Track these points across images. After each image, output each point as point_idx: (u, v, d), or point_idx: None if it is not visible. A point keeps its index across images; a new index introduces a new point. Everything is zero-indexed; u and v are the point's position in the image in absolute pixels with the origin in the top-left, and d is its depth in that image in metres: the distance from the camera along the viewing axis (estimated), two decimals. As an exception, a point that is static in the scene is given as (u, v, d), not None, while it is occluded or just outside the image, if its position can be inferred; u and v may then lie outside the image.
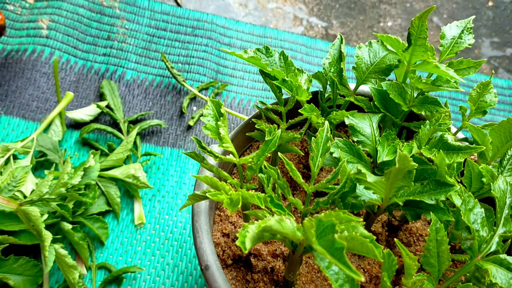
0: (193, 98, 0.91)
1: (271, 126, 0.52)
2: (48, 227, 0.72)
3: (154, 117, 0.88)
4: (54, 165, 0.74)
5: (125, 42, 0.95)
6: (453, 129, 0.62)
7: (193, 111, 0.90)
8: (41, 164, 0.81)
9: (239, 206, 0.45)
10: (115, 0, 0.99)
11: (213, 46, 0.97)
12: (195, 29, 0.98)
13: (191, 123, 0.87)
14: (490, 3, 1.13)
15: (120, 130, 0.85)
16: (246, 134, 0.58)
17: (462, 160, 0.48)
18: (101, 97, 0.88)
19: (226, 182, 0.59)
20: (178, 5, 1.04)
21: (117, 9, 0.98)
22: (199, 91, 0.91)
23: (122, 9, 0.98)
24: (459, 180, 0.57)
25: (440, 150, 0.47)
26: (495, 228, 0.47)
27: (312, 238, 0.39)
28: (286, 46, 0.99)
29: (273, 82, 0.53)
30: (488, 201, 0.56)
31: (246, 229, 0.41)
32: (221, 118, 0.50)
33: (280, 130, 0.51)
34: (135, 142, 0.84)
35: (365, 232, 0.41)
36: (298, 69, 0.58)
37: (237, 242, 0.40)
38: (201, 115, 0.89)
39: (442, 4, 1.11)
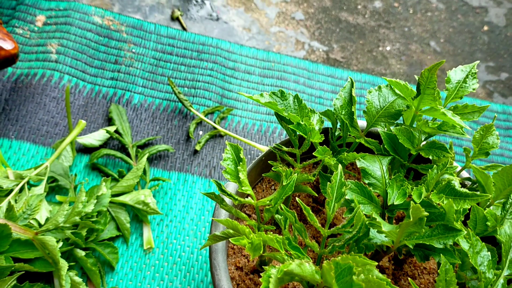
0: (199, 123, 0.93)
1: (288, 170, 0.54)
2: (61, 254, 0.74)
3: (161, 141, 0.91)
4: (68, 194, 0.76)
5: (132, 66, 0.97)
6: (458, 166, 0.65)
7: (199, 136, 0.92)
8: (52, 189, 0.82)
9: (261, 251, 0.47)
10: (122, 24, 1.01)
11: (218, 70, 0.99)
12: (200, 53, 1.00)
13: (197, 147, 0.90)
14: (486, 28, 1.16)
15: (128, 155, 0.88)
16: (263, 175, 0.61)
17: (469, 206, 0.51)
18: (110, 121, 0.91)
19: (243, 222, 0.62)
20: (184, 29, 1.06)
21: (124, 33, 1.00)
22: (205, 116, 0.93)
23: (129, 33, 1.00)
24: (462, 220, 0.60)
25: (449, 199, 0.50)
26: (500, 270, 0.50)
27: (331, 280, 0.42)
28: (289, 70, 1.02)
29: (289, 126, 0.56)
30: (491, 240, 0.60)
31: (269, 274, 0.44)
32: (240, 163, 0.53)
33: (296, 174, 0.54)
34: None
35: (380, 274, 0.44)
36: (310, 109, 0.60)
37: (261, 288, 0.43)
38: (207, 139, 0.91)
39: (439, 29, 1.14)
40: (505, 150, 0.99)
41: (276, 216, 0.53)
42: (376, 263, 0.44)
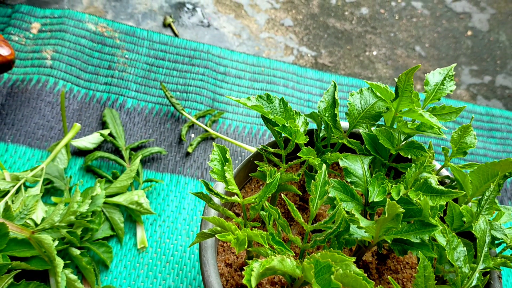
0: (191, 126, 0.96)
1: (272, 168, 0.57)
2: (56, 253, 0.76)
3: (154, 144, 0.93)
4: (63, 195, 0.78)
5: (126, 71, 0.99)
6: (438, 165, 0.68)
7: (191, 138, 0.95)
8: (48, 191, 0.85)
9: (246, 246, 0.50)
10: (115, 30, 1.04)
11: (210, 75, 1.02)
12: (192, 59, 1.03)
13: (189, 150, 0.92)
14: (469, 33, 1.19)
15: (122, 157, 0.90)
16: (249, 174, 0.63)
17: (445, 202, 0.53)
18: (103, 125, 0.93)
19: (231, 220, 0.65)
20: (176, 35, 1.09)
21: (117, 40, 1.03)
22: (197, 119, 0.96)
23: (122, 39, 1.03)
24: (441, 216, 0.63)
25: (424, 195, 0.52)
26: (475, 265, 0.53)
27: (311, 278, 0.45)
28: (278, 74, 1.05)
29: (275, 128, 0.59)
30: (468, 235, 0.62)
31: (251, 267, 0.47)
32: (226, 163, 0.55)
33: (279, 172, 0.57)
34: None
35: (357, 269, 0.47)
36: (296, 112, 0.63)
37: (244, 281, 0.45)
38: (199, 142, 0.94)
39: (424, 34, 1.17)
40: (488, 151, 1.02)
41: (261, 212, 0.56)
42: (354, 259, 0.47)
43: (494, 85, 1.13)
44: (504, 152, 1.02)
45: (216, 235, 0.50)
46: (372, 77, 1.10)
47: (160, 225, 0.86)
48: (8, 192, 0.78)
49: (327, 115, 0.63)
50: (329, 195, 0.56)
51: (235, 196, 0.56)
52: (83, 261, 0.76)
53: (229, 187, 0.54)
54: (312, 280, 0.45)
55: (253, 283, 0.45)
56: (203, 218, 0.54)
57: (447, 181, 0.67)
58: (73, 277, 0.74)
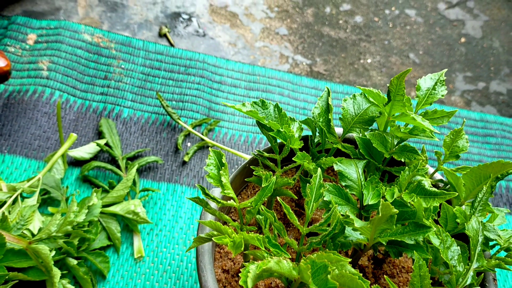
0: (187, 135, 0.96)
1: (267, 173, 0.57)
2: (54, 263, 0.76)
3: (150, 153, 0.94)
4: (60, 205, 0.78)
5: (122, 81, 1.00)
6: (431, 169, 0.69)
7: (187, 147, 0.95)
8: (44, 201, 0.85)
9: (242, 248, 0.50)
10: (111, 41, 1.04)
11: (205, 84, 1.02)
12: (187, 68, 1.04)
13: (186, 159, 0.93)
14: (463, 40, 1.20)
15: (118, 167, 0.90)
16: (245, 179, 0.64)
17: (438, 204, 0.54)
18: (100, 135, 0.94)
19: (227, 224, 0.65)
20: (171, 45, 1.10)
21: (113, 50, 1.03)
22: (193, 128, 0.96)
23: (118, 49, 1.04)
24: (436, 219, 0.63)
25: (418, 197, 0.53)
26: (469, 263, 0.53)
27: (308, 279, 0.45)
28: (274, 83, 1.06)
29: (269, 133, 0.59)
30: (462, 237, 0.63)
31: (247, 269, 0.47)
32: (222, 167, 0.56)
33: (275, 177, 0.57)
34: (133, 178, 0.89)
35: (352, 269, 0.47)
36: (290, 118, 0.64)
37: (240, 282, 0.46)
38: (195, 150, 0.94)
39: (417, 41, 1.18)
40: (483, 156, 1.02)
41: (257, 216, 0.56)
42: (350, 260, 0.47)
43: (488, 91, 1.14)
44: (499, 157, 1.02)
45: (212, 238, 0.50)
46: (367, 85, 1.10)
47: (157, 234, 0.86)
48: (4, 202, 0.78)
49: (321, 120, 0.63)
50: (325, 198, 0.56)
51: (231, 200, 0.56)
52: (80, 271, 0.76)
53: (225, 191, 0.55)
54: (309, 281, 0.45)
55: (250, 285, 0.45)
56: (200, 222, 0.54)
57: (440, 184, 0.68)
58: (71, 287, 0.74)
